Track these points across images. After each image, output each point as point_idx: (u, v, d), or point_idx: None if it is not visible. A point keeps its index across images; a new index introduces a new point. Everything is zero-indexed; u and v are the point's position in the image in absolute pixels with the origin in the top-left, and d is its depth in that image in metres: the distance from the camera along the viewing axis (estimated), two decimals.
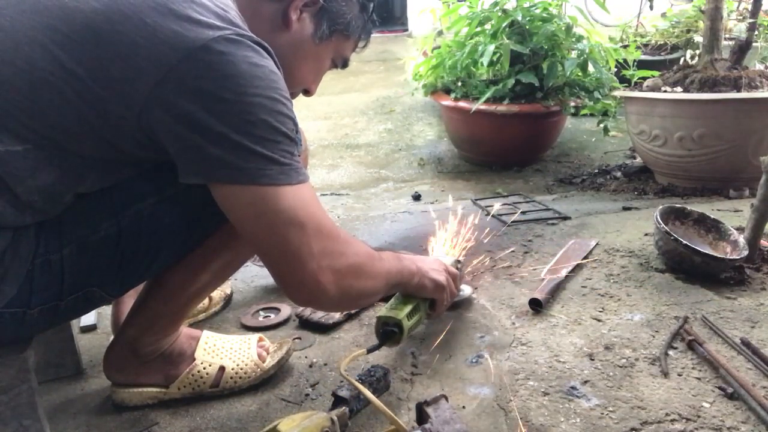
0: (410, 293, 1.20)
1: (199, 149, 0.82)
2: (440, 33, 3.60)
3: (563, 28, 3.06)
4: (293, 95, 1.07)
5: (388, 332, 1.15)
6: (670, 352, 1.26)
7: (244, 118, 0.81)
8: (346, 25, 1.08)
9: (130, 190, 0.94)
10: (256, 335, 1.30)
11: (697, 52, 3.48)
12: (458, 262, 1.42)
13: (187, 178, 0.85)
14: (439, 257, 1.38)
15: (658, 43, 4.29)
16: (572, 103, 3.14)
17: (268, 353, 1.26)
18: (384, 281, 1.05)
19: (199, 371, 1.18)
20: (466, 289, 1.51)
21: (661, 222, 1.61)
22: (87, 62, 0.79)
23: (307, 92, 1.16)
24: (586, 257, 1.74)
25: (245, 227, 0.88)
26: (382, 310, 1.19)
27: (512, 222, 2.15)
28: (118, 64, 0.79)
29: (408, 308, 1.17)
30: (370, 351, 1.14)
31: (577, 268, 1.68)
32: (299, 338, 1.41)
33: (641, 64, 3.23)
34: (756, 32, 2.98)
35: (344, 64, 1.16)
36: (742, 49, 2.52)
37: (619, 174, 3.00)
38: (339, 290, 0.92)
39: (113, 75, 0.80)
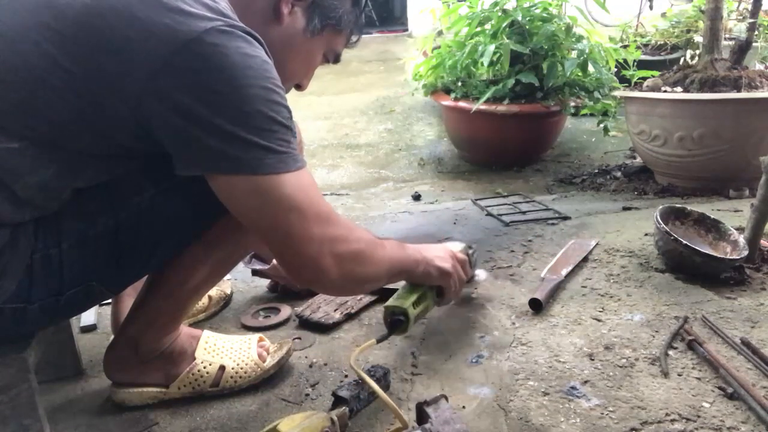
0: (416, 282, 1.22)
1: (198, 141, 0.82)
2: (440, 33, 3.60)
3: (563, 28, 3.06)
4: (285, 90, 1.08)
5: (396, 321, 1.18)
6: (670, 352, 1.26)
7: (239, 109, 0.82)
8: (337, 20, 1.07)
9: (128, 183, 0.95)
10: (257, 335, 1.30)
11: (697, 52, 3.47)
12: (469, 247, 1.42)
13: (186, 170, 0.86)
14: (447, 244, 1.39)
15: (658, 43, 4.29)
16: (572, 103, 3.13)
17: (268, 353, 1.26)
18: (386, 268, 1.07)
19: (199, 370, 1.18)
20: (481, 274, 1.52)
21: (661, 222, 1.61)
22: (80, 58, 0.79)
23: (299, 87, 1.16)
24: (586, 257, 1.74)
25: (246, 216, 0.89)
26: (390, 300, 1.22)
27: (512, 222, 2.15)
28: (112, 59, 0.80)
29: (414, 297, 1.20)
30: (379, 341, 1.16)
31: (577, 268, 1.68)
32: (299, 338, 1.41)
33: (641, 64, 3.23)
34: (756, 32, 2.98)
35: (336, 59, 1.16)
36: (742, 49, 2.51)
37: (619, 174, 3.00)
38: (341, 274, 0.94)
39: (107, 70, 0.80)
